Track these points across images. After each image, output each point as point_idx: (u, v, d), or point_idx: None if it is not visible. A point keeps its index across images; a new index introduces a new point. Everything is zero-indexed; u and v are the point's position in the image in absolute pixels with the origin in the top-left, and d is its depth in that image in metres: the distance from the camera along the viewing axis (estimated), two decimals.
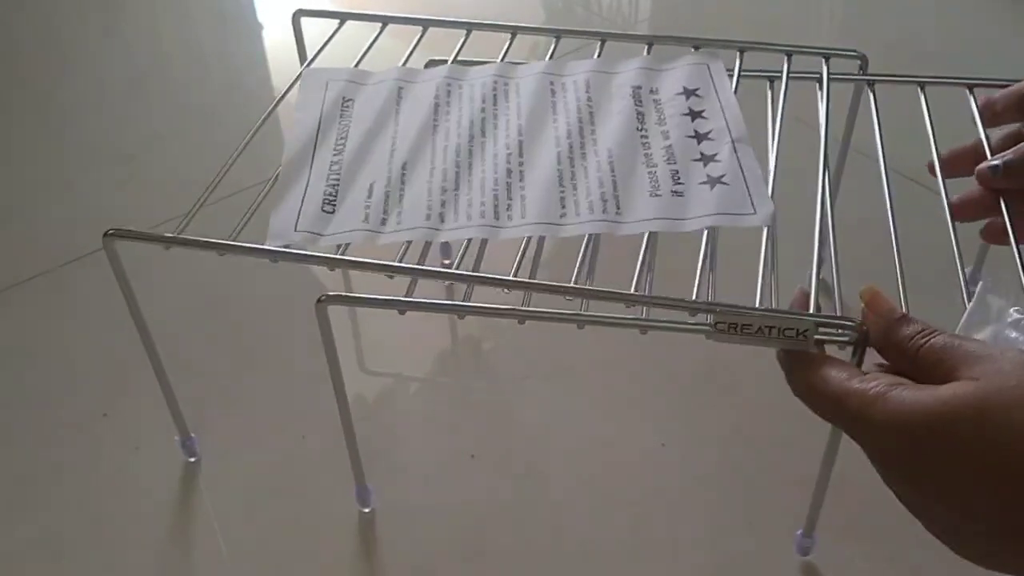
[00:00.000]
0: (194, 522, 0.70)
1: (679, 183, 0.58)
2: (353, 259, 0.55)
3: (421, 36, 0.75)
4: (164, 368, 0.67)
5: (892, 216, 0.57)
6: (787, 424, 0.76)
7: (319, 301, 0.55)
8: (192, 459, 0.73)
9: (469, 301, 0.54)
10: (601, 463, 0.73)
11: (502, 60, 0.71)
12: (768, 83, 0.68)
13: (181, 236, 0.58)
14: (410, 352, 0.82)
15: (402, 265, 0.55)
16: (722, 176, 0.58)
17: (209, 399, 0.78)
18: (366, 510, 0.70)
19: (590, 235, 0.56)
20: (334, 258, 0.56)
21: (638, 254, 0.55)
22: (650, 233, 0.55)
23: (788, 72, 0.67)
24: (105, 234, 0.58)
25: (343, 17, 0.76)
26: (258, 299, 0.88)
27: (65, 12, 1.37)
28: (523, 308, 0.53)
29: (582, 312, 0.53)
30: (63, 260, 0.93)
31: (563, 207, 0.57)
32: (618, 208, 0.57)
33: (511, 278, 0.53)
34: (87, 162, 1.07)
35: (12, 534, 0.69)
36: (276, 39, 1.30)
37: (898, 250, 0.54)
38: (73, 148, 1.10)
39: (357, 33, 0.75)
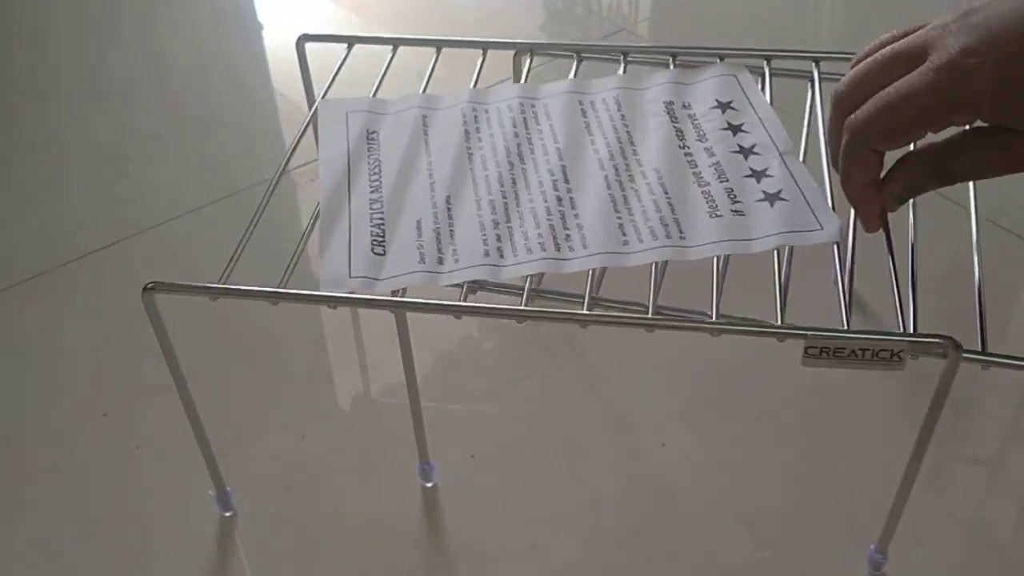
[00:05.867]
0: (195, 522, 0.70)
1: (737, 202, 0.57)
2: (417, 300, 0.53)
3: (436, 58, 0.72)
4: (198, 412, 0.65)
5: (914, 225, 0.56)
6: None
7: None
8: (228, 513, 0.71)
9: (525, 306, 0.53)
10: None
11: (525, 80, 0.70)
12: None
13: (228, 286, 0.55)
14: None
15: (471, 305, 0.53)
16: (779, 191, 0.57)
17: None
18: (428, 484, 0.71)
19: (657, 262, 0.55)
20: (400, 301, 0.54)
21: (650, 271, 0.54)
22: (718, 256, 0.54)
23: (820, 78, 0.67)
24: (144, 288, 0.54)
25: (351, 41, 0.73)
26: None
27: (64, 12, 1.37)
28: (585, 312, 0.52)
29: (649, 317, 0.51)
30: (63, 260, 0.93)
31: (624, 234, 0.56)
32: (681, 232, 0.56)
33: (585, 312, 0.52)
34: (87, 162, 1.07)
35: (12, 534, 0.69)
36: (276, 39, 1.30)
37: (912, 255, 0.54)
38: (73, 148, 1.10)
39: (359, 55, 0.73)
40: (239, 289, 0.54)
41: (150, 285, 0.54)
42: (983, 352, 0.49)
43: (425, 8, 1.36)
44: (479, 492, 0.71)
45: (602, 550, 0.67)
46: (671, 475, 0.72)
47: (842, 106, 0.51)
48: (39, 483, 0.73)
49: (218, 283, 0.55)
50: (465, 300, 0.54)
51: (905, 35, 0.50)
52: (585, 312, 0.52)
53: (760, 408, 0.76)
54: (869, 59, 0.50)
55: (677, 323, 0.51)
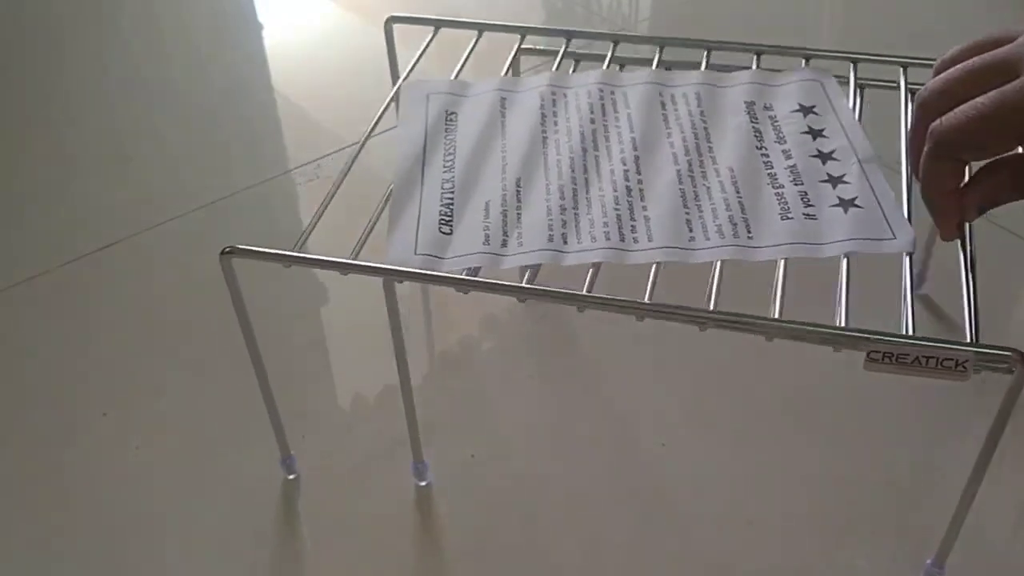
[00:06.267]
0: (195, 521, 0.70)
1: (810, 205, 0.56)
2: (482, 280, 0.54)
3: (520, 44, 0.73)
4: (270, 384, 0.66)
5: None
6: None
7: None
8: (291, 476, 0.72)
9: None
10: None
11: (607, 67, 0.70)
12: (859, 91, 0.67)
13: (301, 255, 0.56)
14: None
15: (535, 287, 0.53)
16: (854, 199, 0.56)
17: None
18: (422, 483, 0.70)
19: (722, 260, 0.54)
20: (463, 279, 0.54)
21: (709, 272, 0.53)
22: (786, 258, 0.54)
23: (907, 85, 0.66)
24: (222, 252, 0.56)
25: (437, 24, 0.74)
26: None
27: (64, 12, 1.37)
28: (644, 303, 0.51)
29: (709, 312, 0.51)
30: (63, 260, 0.93)
31: (690, 230, 0.56)
32: (749, 232, 0.55)
33: (647, 302, 0.51)
34: (87, 162, 1.07)
35: (12, 534, 0.69)
36: (276, 39, 1.30)
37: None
38: (73, 148, 1.10)
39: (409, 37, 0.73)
40: (312, 258, 0.56)
41: (227, 249, 0.56)
42: None
43: (425, 8, 1.36)
44: (479, 492, 0.71)
45: (602, 550, 0.67)
46: (671, 475, 0.72)
47: (927, 112, 0.50)
48: (39, 483, 0.73)
49: (293, 250, 0.56)
50: (531, 283, 0.53)
51: (990, 41, 0.50)
52: (646, 302, 0.51)
53: (760, 408, 0.76)
54: (958, 67, 0.50)
55: (735, 322, 0.50)
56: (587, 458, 0.74)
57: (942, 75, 0.51)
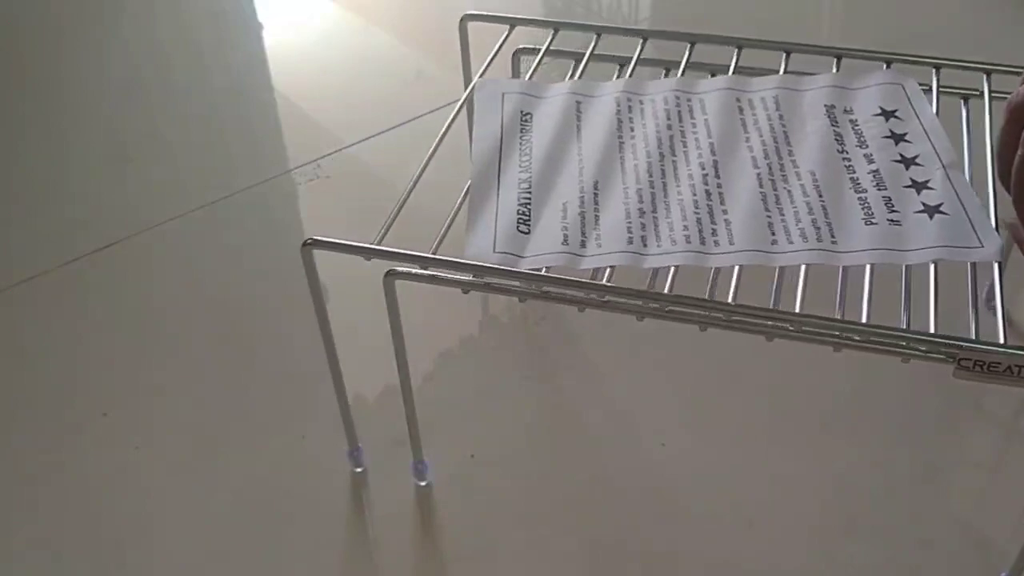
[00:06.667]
0: (195, 521, 0.70)
1: (894, 211, 0.56)
2: (558, 276, 0.54)
3: (595, 44, 0.73)
4: (344, 381, 0.66)
5: None
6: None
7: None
8: (358, 469, 0.72)
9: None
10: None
11: (682, 74, 0.71)
12: (963, 101, 0.66)
13: (382, 247, 0.56)
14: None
15: (613, 286, 0.53)
16: (940, 205, 0.56)
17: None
18: (422, 483, 0.71)
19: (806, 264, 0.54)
20: (542, 275, 0.55)
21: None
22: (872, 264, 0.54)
23: (990, 91, 0.66)
24: (304, 244, 0.57)
25: (513, 22, 0.74)
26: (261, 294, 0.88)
27: (64, 12, 1.37)
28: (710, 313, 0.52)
29: (796, 315, 0.51)
30: (63, 260, 0.93)
31: (772, 233, 0.56)
32: (833, 236, 0.55)
33: (768, 307, 0.51)
34: (87, 162, 1.07)
35: (12, 534, 0.69)
36: (276, 39, 1.30)
37: None
38: (73, 148, 1.10)
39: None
40: (392, 251, 0.56)
41: (309, 241, 0.57)
42: None
43: (424, 7, 1.36)
44: (479, 492, 0.71)
45: (602, 550, 0.67)
46: (671, 475, 0.72)
47: (1019, 118, 0.50)
48: (39, 483, 0.73)
49: (374, 243, 0.56)
50: (608, 281, 0.54)
51: None
52: (791, 311, 0.50)
53: (760, 408, 0.76)
54: None
55: (820, 331, 0.50)
56: (587, 458, 0.74)
57: None
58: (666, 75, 0.72)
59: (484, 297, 0.57)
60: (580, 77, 0.71)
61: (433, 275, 0.57)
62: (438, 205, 0.60)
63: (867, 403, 0.76)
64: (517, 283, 0.57)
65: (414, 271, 0.57)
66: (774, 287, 0.53)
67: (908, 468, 0.72)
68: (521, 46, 0.76)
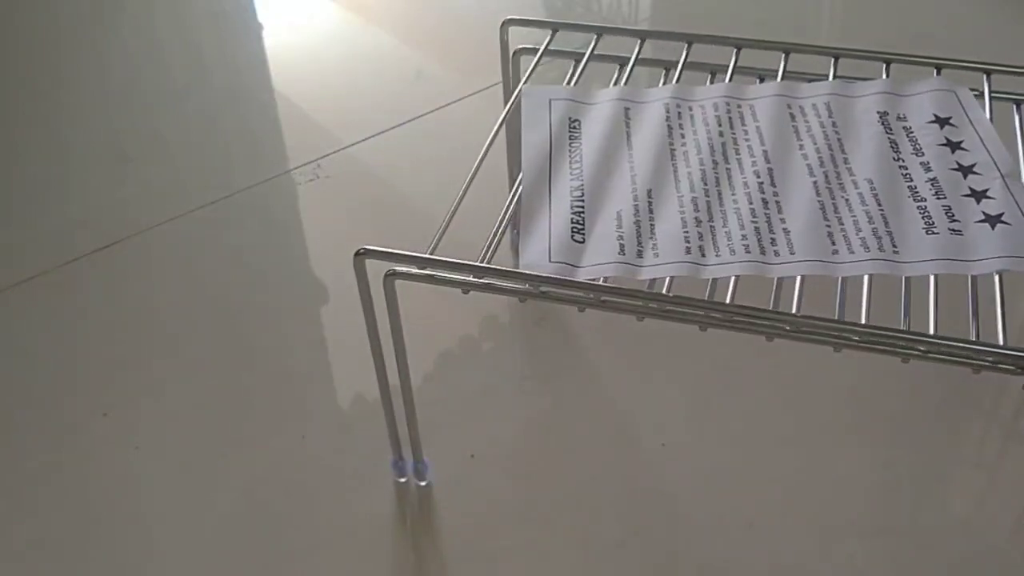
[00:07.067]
0: (195, 521, 0.70)
1: (955, 220, 0.56)
2: (614, 287, 0.54)
3: (638, 49, 0.73)
4: (389, 385, 0.65)
5: None
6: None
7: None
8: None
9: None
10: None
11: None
12: (1015, 106, 0.66)
13: (434, 257, 0.56)
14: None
15: (675, 296, 0.53)
16: (1001, 215, 0.56)
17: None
18: (422, 483, 0.71)
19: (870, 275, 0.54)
20: (600, 285, 0.54)
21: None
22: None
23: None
24: (357, 253, 0.56)
25: (555, 27, 0.74)
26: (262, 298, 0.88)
27: (64, 13, 1.37)
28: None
29: (860, 326, 0.51)
30: (63, 260, 0.93)
31: (833, 243, 0.55)
32: (895, 246, 0.55)
33: (851, 322, 0.51)
34: (87, 162, 1.07)
35: (12, 534, 0.69)
36: (276, 39, 1.30)
37: None
38: (73, 148, 1.10)
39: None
40: (445, 260, 0.56)
41: (361, 251, 0.57)
42: None
43: (424, 7, 1.36)
44: (479, 492, 0.71)
45: (601, 550, 0.67)
46: (671, 475, 0.72)
47: None
48: (39, 483, 0.73)
49: (427, 253, 0.56)
50: (669, 290, 0.54)
51: None
52: (858, 323, 0.50)
53: (760, 409, 0.76)
54: None
55: (888, 342, 0.50)
56: (587, 458, 0.74)
57: None
58: (712, 80, 0.71)
59: (483, 297, 0.57)
60: (627, 82, 0.70)
61: (431, 275, 0.57)
62: (447, 209, 0.60)
63: (868, 404, 0.76)
64: (524, 286, 0.57)
65: (413, 271, 0.57)
66: (837, 298, 0.53)
67: (908, 468, 0.72)
68: (521, 46, 0.76)
